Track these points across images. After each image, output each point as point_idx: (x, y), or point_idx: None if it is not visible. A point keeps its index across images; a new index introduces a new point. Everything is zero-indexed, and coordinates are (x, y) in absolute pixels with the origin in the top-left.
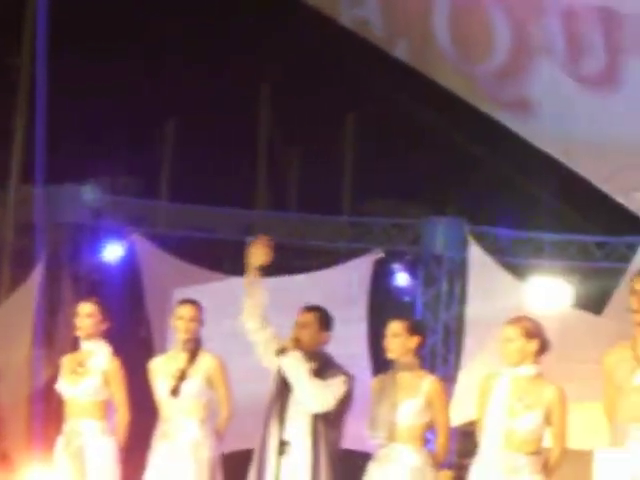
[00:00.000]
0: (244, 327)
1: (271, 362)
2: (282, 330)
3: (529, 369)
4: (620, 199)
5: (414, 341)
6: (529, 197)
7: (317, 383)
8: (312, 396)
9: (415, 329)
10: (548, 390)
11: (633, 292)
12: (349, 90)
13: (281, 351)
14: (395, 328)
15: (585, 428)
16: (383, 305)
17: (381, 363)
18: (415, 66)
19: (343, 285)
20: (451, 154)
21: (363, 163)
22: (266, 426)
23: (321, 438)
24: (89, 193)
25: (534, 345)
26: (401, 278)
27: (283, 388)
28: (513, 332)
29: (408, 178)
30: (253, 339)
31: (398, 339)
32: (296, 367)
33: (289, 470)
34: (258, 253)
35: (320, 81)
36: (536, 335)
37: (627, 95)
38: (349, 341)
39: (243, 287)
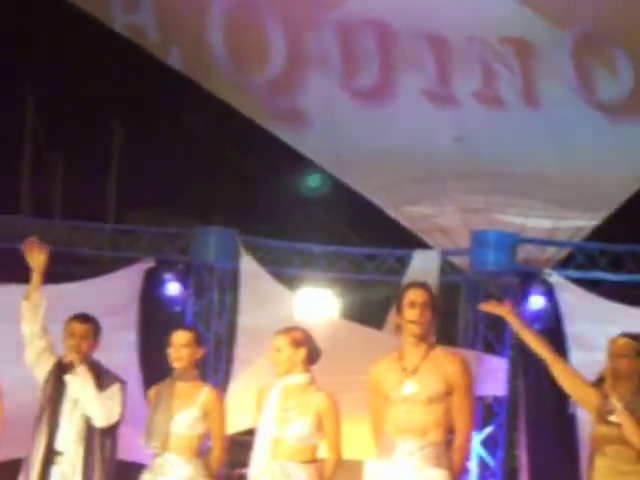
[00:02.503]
0: (23, 332)
1: (42, 371)
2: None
3: (298, 378)
4: (390, 212)
5: (200, 352)
6: (301, 209)
7: (103, 397)
8: (99, 411)
9: (201, 340)
10: (317, 397)
11: (413, 304)
12: (117, 95)
13: (69, 365)
14: (184, 338)
15: (358, 438)
16: (153, 315)
17: (150, 372)
18: (188, 74)
19: (112, 294)
20: (221, 163)
21: (129, 170)
22: (35, 435)
23: (95, 446)
24: None
25: (301, 354)
26: (172, 287)
27: (53, 397)
28: (281, 342)
29: (174, 186)
30: (30, 346)
31: (187, 349)
32: (83, 382)
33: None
34: (34, 254)
35: (87, 84)
36: (303, 344)
37: (398, 109)
38: (119, 350)
39: (26, 293)
